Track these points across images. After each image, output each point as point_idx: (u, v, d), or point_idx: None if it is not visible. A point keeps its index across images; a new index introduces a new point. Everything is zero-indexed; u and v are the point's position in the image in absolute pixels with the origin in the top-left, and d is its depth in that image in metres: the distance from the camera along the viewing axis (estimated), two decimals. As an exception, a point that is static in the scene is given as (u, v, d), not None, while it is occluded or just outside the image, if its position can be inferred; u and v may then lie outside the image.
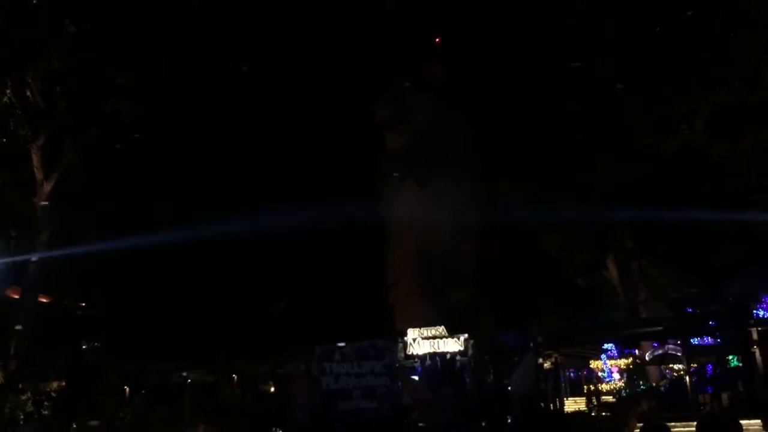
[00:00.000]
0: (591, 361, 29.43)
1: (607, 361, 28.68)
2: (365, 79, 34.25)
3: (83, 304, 27.35)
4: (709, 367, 23.89)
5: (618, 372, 28.39)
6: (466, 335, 27.23)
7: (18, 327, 21.46)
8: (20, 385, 20.53)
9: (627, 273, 28.62)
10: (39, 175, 22.53)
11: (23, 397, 20.12)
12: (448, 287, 33.60)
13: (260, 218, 27.55)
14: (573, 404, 26.53)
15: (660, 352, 24.35)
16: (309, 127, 34.69)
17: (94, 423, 21.49)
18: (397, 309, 35.07)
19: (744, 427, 9.01)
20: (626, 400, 21.17)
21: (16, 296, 23.09)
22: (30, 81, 22.03)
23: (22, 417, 19.04)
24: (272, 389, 29.77)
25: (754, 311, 19.85)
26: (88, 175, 23.22)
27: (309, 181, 33.97)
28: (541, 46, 26.14)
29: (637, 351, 27.04)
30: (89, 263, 24.21)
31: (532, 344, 21.14)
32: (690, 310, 25.91)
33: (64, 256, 22.51)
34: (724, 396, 20.07)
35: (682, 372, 23.17)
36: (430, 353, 27.09)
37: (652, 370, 26.67)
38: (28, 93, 22.18)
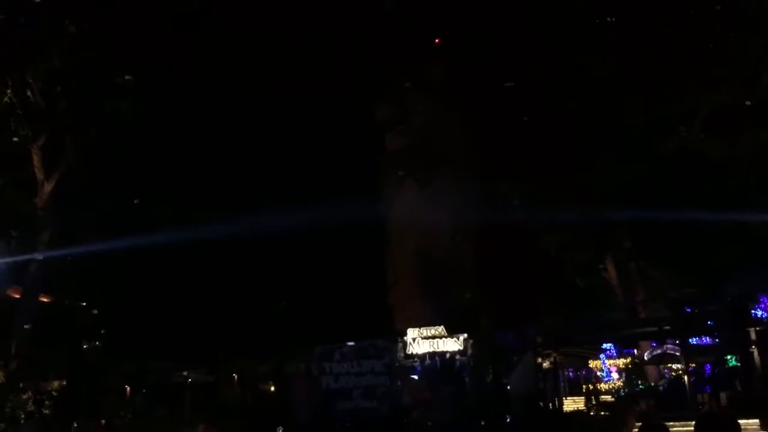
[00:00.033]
0: (590, 361, 29.49)
1: (606, 361, 28.72)
2: (365, 80, 34.29)
3: (84, 304, 27.36)
4: (708, 366, 23.94)
5: (617, 372, 28.45)
6: (466, 335, 27.27)
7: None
8: (21, 385, 20.60)
9: (626, 273, 28.65)
10: (40, 175, 22.57)
11: (24, 397, 20.19)
12: (447, 287, 33.63)
13: (260, 218, 27.59)
14: (572, 404, 26.57)
15: (659, 351, 24.39)
16: (309, 127, 34.74)
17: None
18: (397, 309, 35.09)
19: (742, 427, 9.03)
20: (625, 399, 21.26)
21: (17, 296, 23.13)
22: (30, 81, 22.05)
23: (23, 416, 19.10)
24: (272, 389, 29.83)
25: (753, 311, 19.93)
26: (89, 175, 23.24)
27: (309, 181, 34.01)
28: (541, 46, 26.17)
29: (635, 351, 27.08)
30: (90, 263, 24.26)
31: (531, 344, 21.18)
32: (688, 310, 25.96)
33: (64, 255, 22.58)
34: (723, 395, 20.20)
35: (680, 372, 23.23)
36: (429, 353, 27.14)
37: (651, 370, 26.71)
38: (29, 93, 22.20)
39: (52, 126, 22.62)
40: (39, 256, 22.23)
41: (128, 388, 27.08)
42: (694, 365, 23.17)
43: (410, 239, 35.83)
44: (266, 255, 32.25)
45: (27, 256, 22.44)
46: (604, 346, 28.11)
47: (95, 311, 27.44)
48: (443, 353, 26.94)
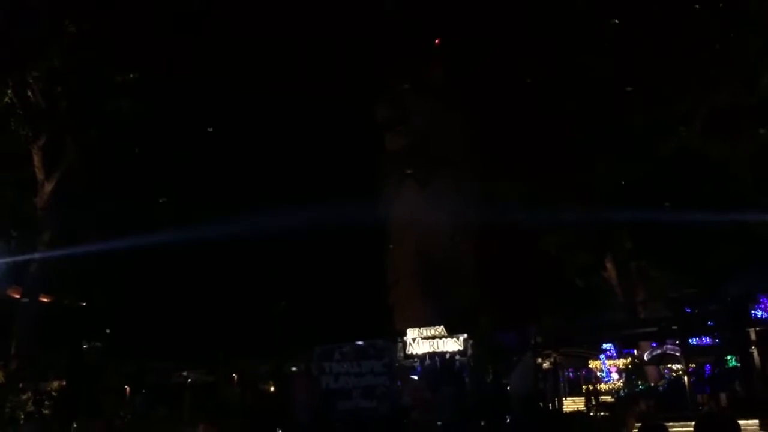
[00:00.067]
0: (590, 361, 29.51)
1: (606, 361, 28.75)
2: (365, 80, 34.27)
3: (84, 304, 27.36)
4: (708, 367, 23.96)
5: (617, 372, 28.47)
6: (466, 335, 27.27)
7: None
8: (21, 385, 20.58)
9: (626, 273, 28.68)
10: (40, 175, 22.56)
11: (24, 397, 20.18)
12: (447, 287, 33.59)
13: (260, 218, 27.59)
14: (572, 404, 26.60)
15: (658, 352, 24.40)
16: (309, 127, 34.73)
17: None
18: (397, 309, 35.08)
19: (742, 427, 9.06)
20: (625, 399, 21.22)
21: (17, 296, 23.13)
22: (31, 81, 22.05)
23: (22, 416, 19.07)
24: (272, 389, 29.83)
25: (752, 311, 19.94)
26: (89, 175, 23.24)
27: (309, 181, 34.00)
28: (541, 46, 26.18)
29: (635, 351, 27.10)
30: (90, 263, 24.24)
31: (531, 344, 21.19)
32: (688, 310, 25.99)
33: (64, 255, 22.54)
34: (723, 396, 20.12)
35: (680, 372, 23.23)
36: (429, 353, 27.14)
37: (651, 370, 26.72)
38: (29, 93, 22.21)
39: (52, 126, 22.62)
40: (39, 256, 22.23)
41: (128, 388, 27.06)
42: (693, 365, 23.17)
43: (410, 239, 35.83)
44: (266, 255, 32.25)
45: (27, 256, 22.44)
46: (604, 346, 28.14)
47: (95, 311, 27.44)
48: (443, 353, 26.95)
